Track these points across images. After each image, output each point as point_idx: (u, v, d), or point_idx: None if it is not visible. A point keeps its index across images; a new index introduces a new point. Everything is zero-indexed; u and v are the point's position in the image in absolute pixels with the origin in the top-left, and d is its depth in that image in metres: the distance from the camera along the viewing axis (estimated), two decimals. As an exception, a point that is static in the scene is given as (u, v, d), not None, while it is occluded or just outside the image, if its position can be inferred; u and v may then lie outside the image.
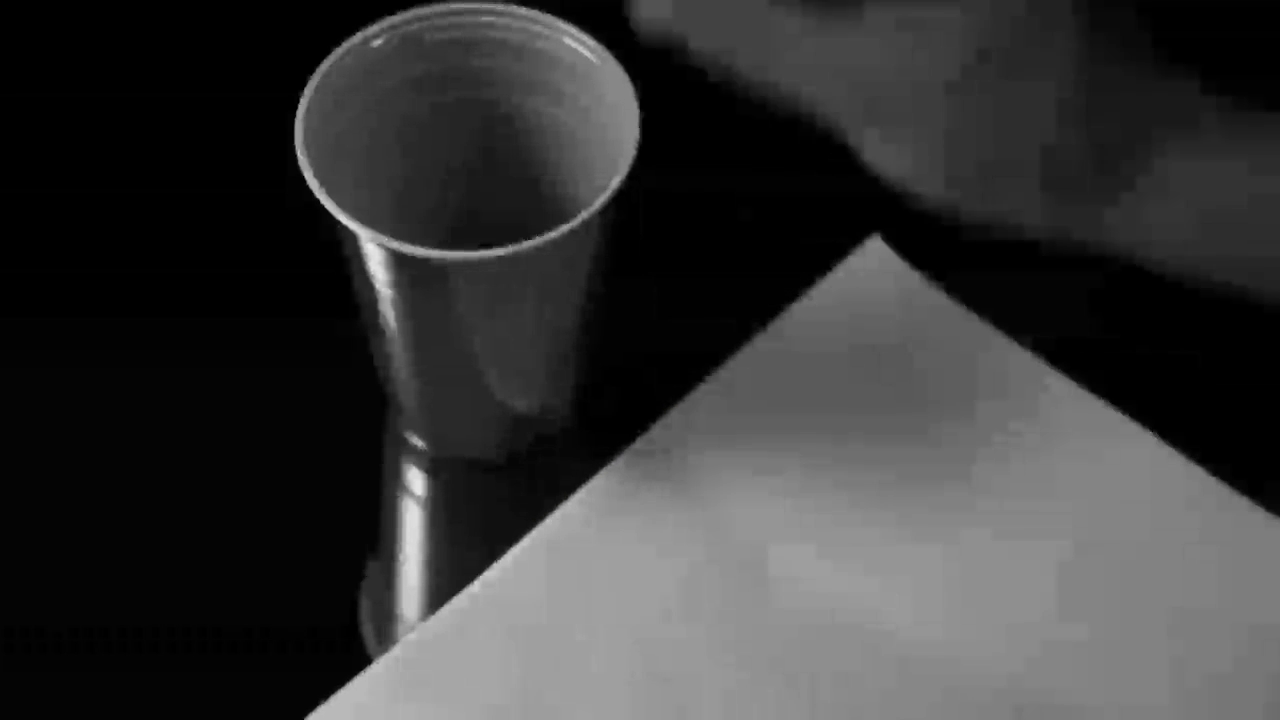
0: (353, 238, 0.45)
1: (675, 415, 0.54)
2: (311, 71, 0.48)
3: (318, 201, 0.45)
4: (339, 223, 0.45)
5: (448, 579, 0.51)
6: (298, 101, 0.47)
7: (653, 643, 0.49)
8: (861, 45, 0.40)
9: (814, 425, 0.54)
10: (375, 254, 0.45)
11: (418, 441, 0.54)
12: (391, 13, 0.49)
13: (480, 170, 0.53)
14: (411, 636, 0.49)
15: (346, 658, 0.50)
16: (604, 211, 0.46)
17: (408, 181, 0.52)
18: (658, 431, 0.53)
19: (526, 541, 0.51)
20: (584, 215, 0.45)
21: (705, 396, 0.54)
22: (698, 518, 0.52)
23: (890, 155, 0.41)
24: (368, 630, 0.51)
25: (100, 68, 0.63)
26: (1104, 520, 0.52)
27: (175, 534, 0.52)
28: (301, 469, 0.54)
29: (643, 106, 0.47)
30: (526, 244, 0.44)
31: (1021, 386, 0.55)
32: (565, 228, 0.45)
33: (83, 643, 0.50)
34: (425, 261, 0.44)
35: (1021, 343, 0.56)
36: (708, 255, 0.59)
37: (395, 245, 0.44)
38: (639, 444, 0.53)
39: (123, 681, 0.50)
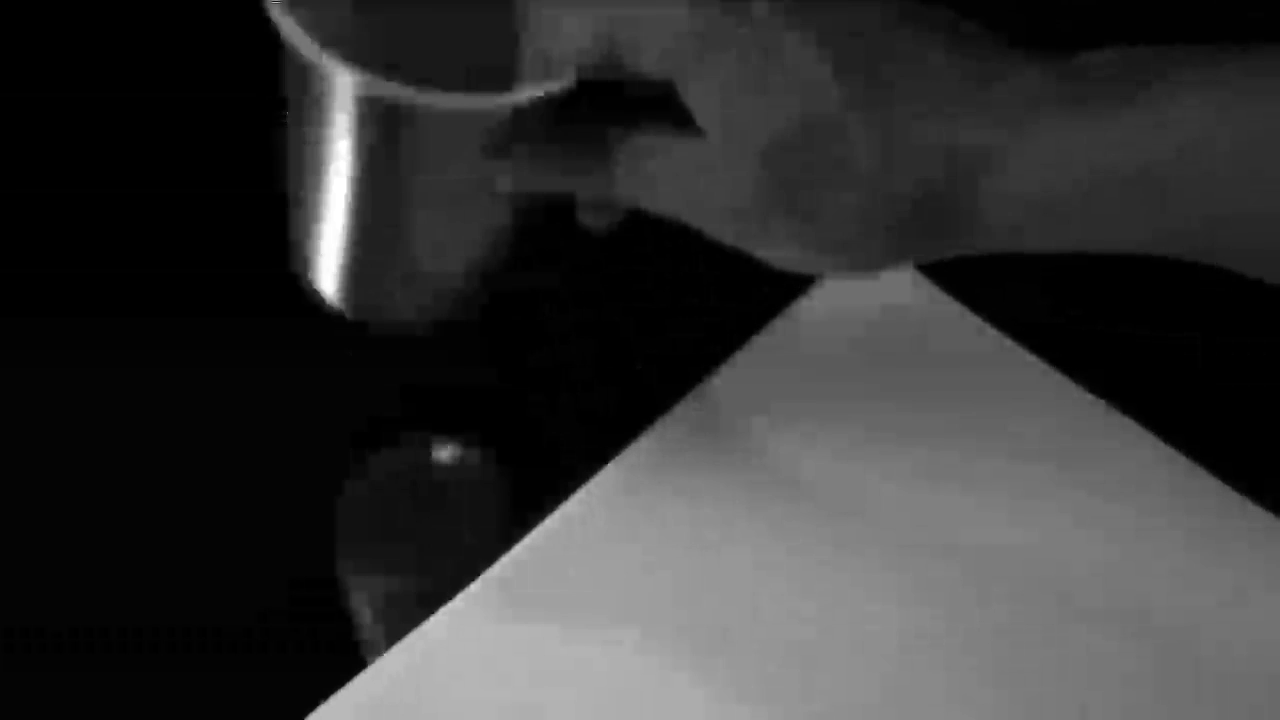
0: (318, 78, 0.42)
1: (675, 415, 0.54)
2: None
3: (277, 41, 0.42)
4: (303, 64, 0.42)
5: (446, 579, 0.51)
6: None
7: (654, 641, 0.49)
8: (675, 187, 0.42)
9: (814, 424, 0.54)
10: (346, 96, 0.42)
11: (332, 302, 0.51)
12: None
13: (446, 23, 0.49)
14: (411, 637, 0.49)
15: (346, 658, 0.50)
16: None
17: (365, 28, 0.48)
18: (658, 431, 0.53)
19: (527, 541, 0.51)
20: (565, 79, 0.42)
21: (705, 396, 0.54)
22: (697, 517, 0.52)
23: (767, 255, 0.42)
24: (365, 630, 0.51)
25: (100, 68, 0.63)
26: (1104, 520, 0.52)
27: (173, 533, 0.52)
28: (300, 467, 0.54)
29: (562, 107, 0.47)
30: (522, 94, 0.41)
31: (1021, 386, 0.55)
32: (557, 85, 0.42)
33: (82, 643, 0.50)
34: (408, 109, 0.41)
35: (1020, 342, 0.56)
36: (707, 255, 0.59)
37: (384, 90, 0.41)
38: (639, 443, 0.53)
39: (123, 681, 0.50)
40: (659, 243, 0.58)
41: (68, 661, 0.50)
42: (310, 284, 0.50)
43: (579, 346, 0.53)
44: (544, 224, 0.49)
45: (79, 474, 0.54)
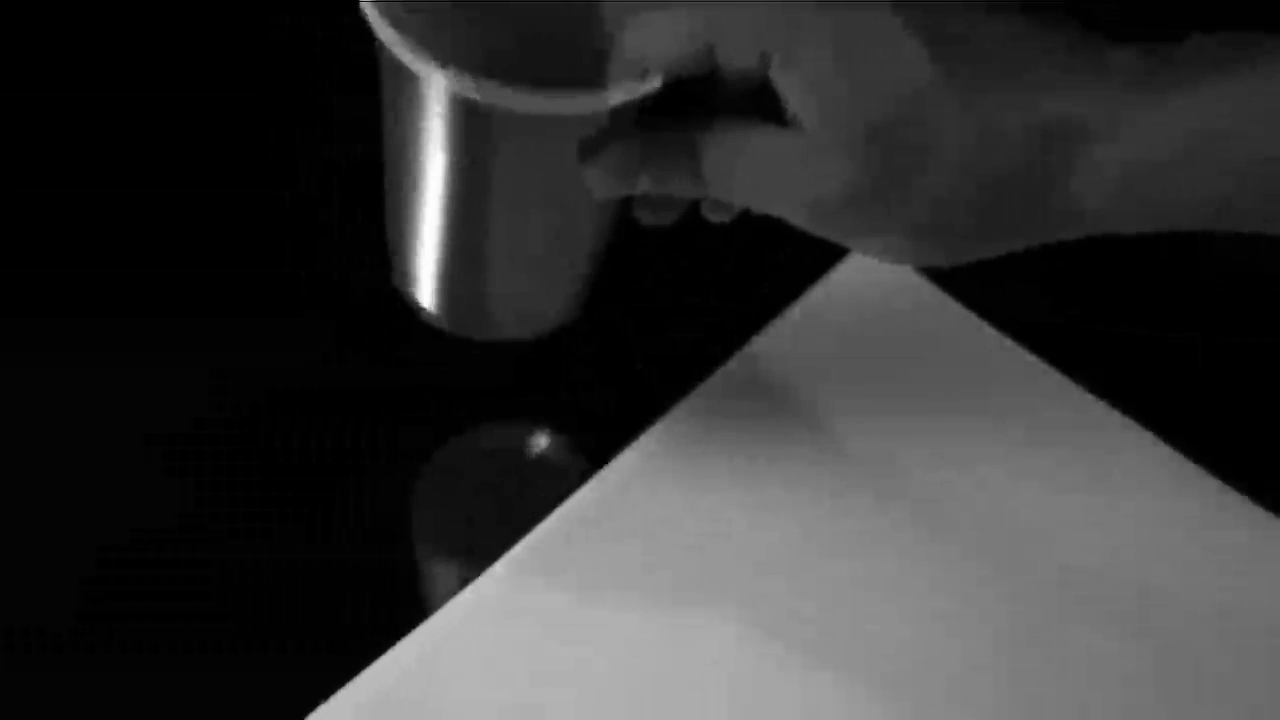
0: (416, 83, 0.42)
1: (674, 416, 0.54)
2: (311, 74, 0.48)
3: (376, 46, 0.42)
4: (403, 67, 0.41)
5: (445, 579, 0.51)
6: (297, 102, 0.47)
7: (653, 640, 0.49)
8: (752, 167, 0.42)
9: (813, 425, 0.54)
10: (440, 97, 0.41)
11: (438, 320, 0.50)
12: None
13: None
14: (412, 636, 0.49)
15: (346, 658, 0.50)
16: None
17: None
18: (658, 431, 0.54)
19: (526, 541, 0.51)
20: (657, 78, 0.41)
21: (704, 397, 0.54)
22: (696, 516, 0.52)
23: (857, 245, 0.42)
24: (428, 585, 0.51)
25: (100, 68, 0.63)
26: (1103, 519, 0.52)
27: (174, 534, 0.52)
28: (300, 466, 0.54)
29: (642, 110, 0.47)
30: (616, 94, 0.41)
31: (1020, 385, 0.55)
32: (648, 85, 0.41)
33: (83, 642, 0.50)
34: (504, 110, 0.40)
35: (1020, 342, 0.56)
36: (709, 255, 0.59)
37: (480, 91, 0.40)
38: (640, 443, 0.53)
39: (123, 681, 0.50)
40: (659, 243, 0.58)
41: (68, 661, 0.50)
42: (411, 299, 0.50)
43: (579, 346, 0.53)
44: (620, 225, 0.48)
45: (76, 473, 0.54)
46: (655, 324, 0.57)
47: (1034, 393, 0.54)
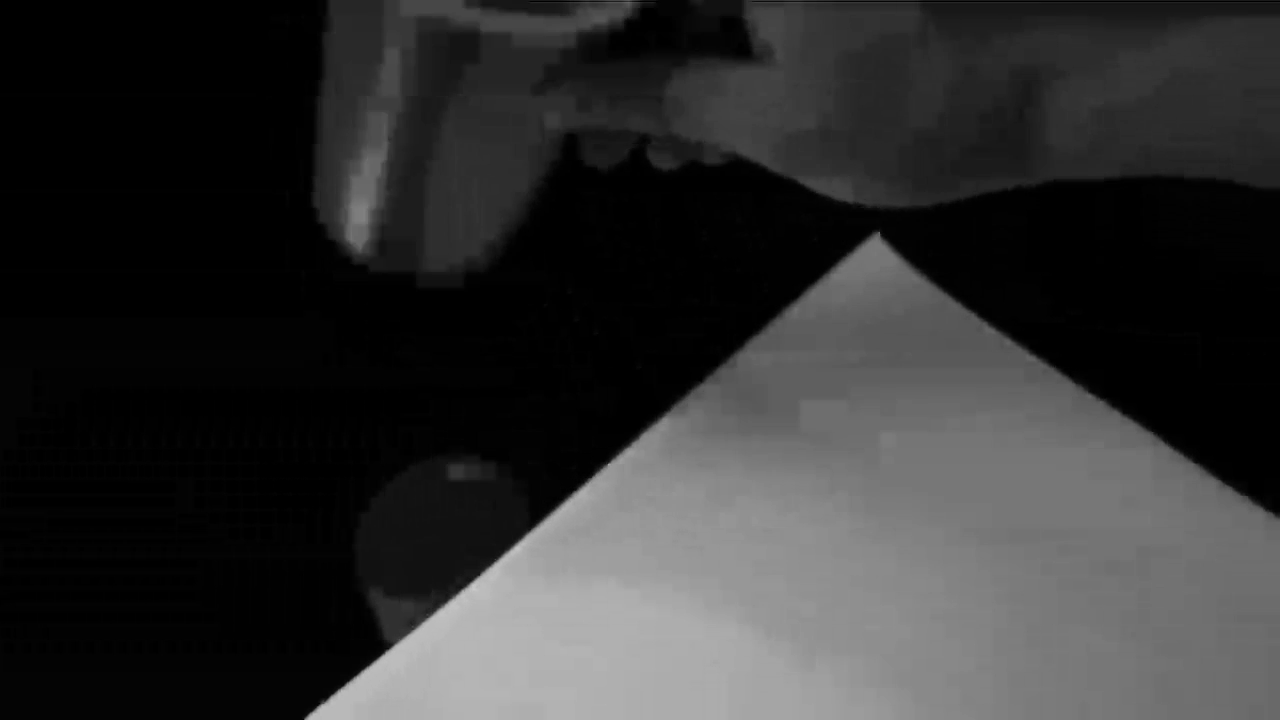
0: (375, 6, 0.40)
1: (674, 416, 0.54)
2: (311, 74, 0.48)
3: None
4: None
5: (446, 579, 0.51)
6: (297, 102, 0.47)
7: (653, 640, 0.49)
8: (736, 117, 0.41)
9: (812, 426, 0.54)
10: (397, 16, 0.39)
11: (354, 247, 0.48)
12: None
13: None
14: (412, 637, 0.49)
15: (346, 658, 0.50)
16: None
17: None
18: (657, 431, 0.53)
19: (526, 542, 0.51)
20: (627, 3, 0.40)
21: (703, 397, 0.54)
22: (696, 515, 0.52)
23: (824, 187, 0.42)
24: (383, 625, 0.51)
25: (100, 68, 0.63)
26: (1103, 519, 0.52)
27: (175, 534, 0.53)
28: (299, 466, 0.54)
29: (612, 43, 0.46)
30: (585, 19, 0.40)
31: (1021, 385, 0.55)
32: (620, 10, 0.40)
33: (83, 643, 0.50)
34: (468, 31, 0.39)
35: (1021, 342, 0.56)
36: (708, 255, 0.59)
37: (441, 8, 0.38)
38: (639, 443, 0.53)
39: (123, 681, 0.50)
40: (659, 242, 0.58)
41: (69, 661, 0.50)
42: (333, 229, 0.48)
43: (579, 346, 0.53)
44: (561, 162, 0.47)
45: (73, 474, 0.54)
46: (655, 324, 0.57)
47: (1034, 393, 0.54)
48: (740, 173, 0.60)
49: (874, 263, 0.57)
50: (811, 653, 0.49)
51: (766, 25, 0.40)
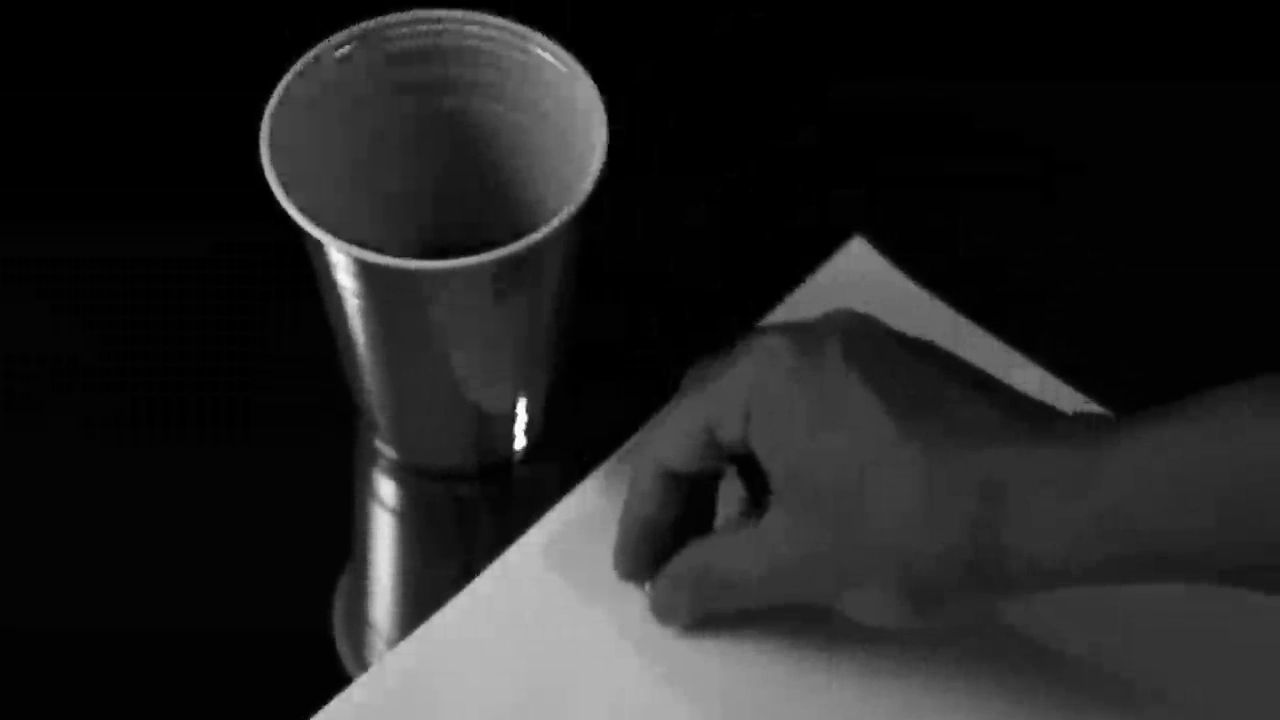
0: (320, 248, 0.45)
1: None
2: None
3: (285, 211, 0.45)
4: (306, 232, 0.44)
5: (428, 588, 0.51)
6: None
7: (653, 640, 0.49)
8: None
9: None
10: (344, 263, 0.45)
11: (389, 452, 0.53)
12: (369, 16, 0.49)
13: (450, 177, 0.52)
14: (412, 637, 0.49)
15: (338, 664, 0.50)
16: (573, 220, 0.45)
17: (376, 189, 0.51)
18: (645, 435, 0.53)
19: (526, 540, 0.51)
20: (551, 225, 0.45)
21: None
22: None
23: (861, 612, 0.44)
24: (341, 640, 0.51)
25: (100, 68, 0.63)
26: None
27: (176, 534, 0.52)
28: (281, 479, 0.53)
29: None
30: (493, 254, 0.44)
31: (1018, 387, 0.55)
32: (533, 237, 0.44)
33: (84, 644, 0.50)
34: (395, 271, 0.44)
35: (1019, 343, 0.56)
36: (691, 258, 0.59)
37: (363, 255, 0.44)
38: (628, 447, 0.53)
39: (123, 681, 0.50)
40: (659, 242, 0.58)
41: (69, 662, 0.50)
42: (379, 441, 0.53)
43: (579, 347, 0.53)
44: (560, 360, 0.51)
45: (69, 481, 0.54)
46: (641, 326, 0.57)
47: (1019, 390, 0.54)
48: (721, 176, 0.60)
49: (857, 261, 0.57)
50: (810, 651, 0.49)
51: (762, 452, 0.44)
